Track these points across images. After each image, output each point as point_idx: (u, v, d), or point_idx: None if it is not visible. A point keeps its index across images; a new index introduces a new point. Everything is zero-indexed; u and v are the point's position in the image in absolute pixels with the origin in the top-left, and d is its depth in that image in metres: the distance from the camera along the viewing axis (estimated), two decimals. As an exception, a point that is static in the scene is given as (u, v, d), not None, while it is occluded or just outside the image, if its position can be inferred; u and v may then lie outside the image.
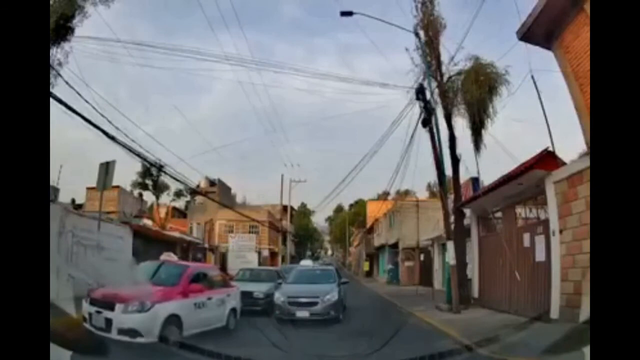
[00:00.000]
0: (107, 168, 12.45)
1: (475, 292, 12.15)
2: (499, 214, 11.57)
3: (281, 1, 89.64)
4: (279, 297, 10.04)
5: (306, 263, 28.47)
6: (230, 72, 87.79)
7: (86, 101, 10.82)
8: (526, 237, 9.71)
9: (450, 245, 11.43)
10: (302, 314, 9.59)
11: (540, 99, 10.71)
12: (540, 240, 9.02)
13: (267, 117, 69.14)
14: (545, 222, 8.85)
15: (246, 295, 10.15)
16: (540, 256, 8.95)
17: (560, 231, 8.11)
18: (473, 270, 12.36)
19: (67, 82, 10.43)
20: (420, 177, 56.84)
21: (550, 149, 9.12)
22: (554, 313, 7.96)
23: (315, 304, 9.65)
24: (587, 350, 2.37)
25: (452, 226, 12.54)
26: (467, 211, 12.92)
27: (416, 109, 13.12)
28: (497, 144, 14.07)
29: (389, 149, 15.50)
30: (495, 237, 11.30)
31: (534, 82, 11.15)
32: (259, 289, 11.16)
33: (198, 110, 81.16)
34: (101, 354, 3.91)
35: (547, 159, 8.83)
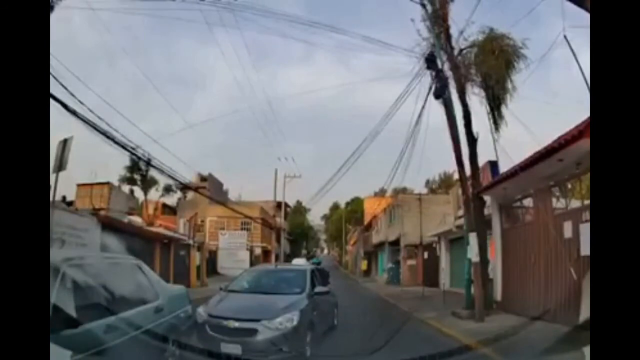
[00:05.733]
0: (64, 146, 10.92)
1: (497, 295, 10.37)
2: (526, 202, 9.82)
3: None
4: (201, 314, 6.21)
5: (299, 262, 26.76)
6: (226, 67, 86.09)
7: (80, 101, 9.88)
8: (567, 226, 7.97)
9: (473, 238, 9.56)
10: (231, 348, 5.65)
11: (575, 57, 9.43)
12: (586, 230, 7.30)
13: (262, 111, 67.29)
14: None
15: None
16: (587, 249, 7.22)
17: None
18: (495, 269, 10.58)
19: (56, 78, 8.99)
20: (418, 174, 55.30)
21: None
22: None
23: (253, 332, 5.74)
24: (587, 350, 2.21)
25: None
26: (487, 199, 11.14)
27: (422, 93, 11.92)
28: (517, 124, 12.58)
29: (387, 147, 14.63)
30: (525, 229, 9.55)
31: (568, 42, 9.70)
32: None
33: (191, 105, 79.21)
34: (101, 354, 3.63)
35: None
